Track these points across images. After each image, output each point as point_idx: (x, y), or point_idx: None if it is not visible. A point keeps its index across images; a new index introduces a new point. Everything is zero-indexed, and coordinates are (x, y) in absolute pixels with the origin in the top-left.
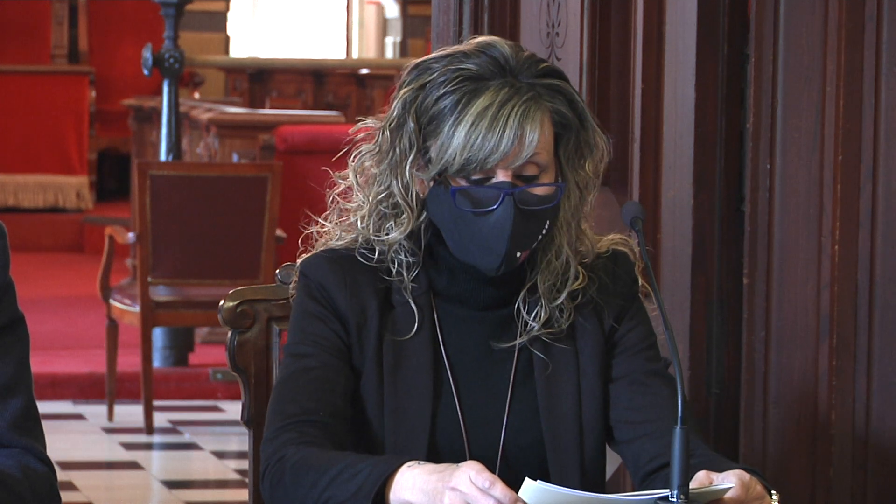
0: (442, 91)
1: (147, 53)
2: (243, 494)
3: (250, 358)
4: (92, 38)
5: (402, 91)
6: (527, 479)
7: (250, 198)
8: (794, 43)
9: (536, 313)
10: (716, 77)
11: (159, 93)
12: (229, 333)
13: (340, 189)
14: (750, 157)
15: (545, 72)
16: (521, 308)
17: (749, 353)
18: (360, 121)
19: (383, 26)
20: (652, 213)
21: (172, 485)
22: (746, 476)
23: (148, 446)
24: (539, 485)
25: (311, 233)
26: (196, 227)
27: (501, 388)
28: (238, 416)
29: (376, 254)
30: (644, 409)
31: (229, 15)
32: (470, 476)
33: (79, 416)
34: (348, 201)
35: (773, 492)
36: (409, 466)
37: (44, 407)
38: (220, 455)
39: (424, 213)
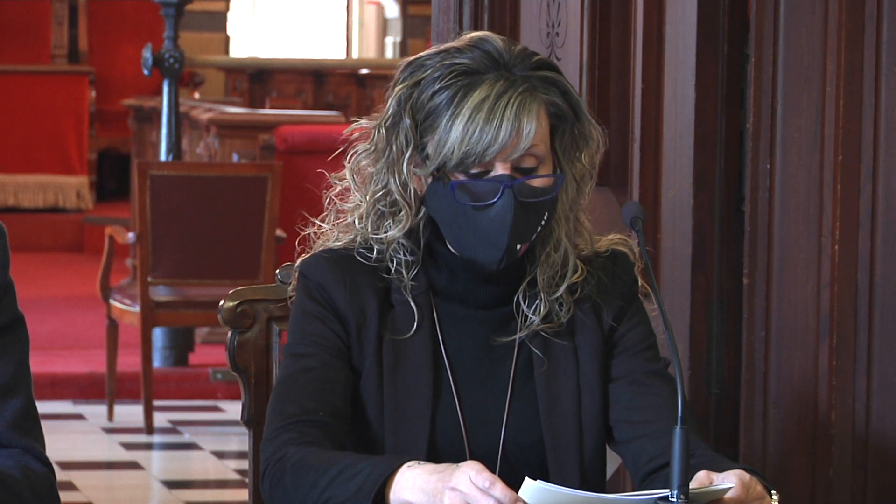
0: (437, 86)
1: (147, 53)
2: (243, 494)
3: (250, 358)
4: (92, 38)
5: (397, 89)
6: (527, 478)
7: (250, 198)
8: (794, 43)
9: (536, 307)
10: (716, 77)
11: (159, 93)
12: (229, 333)
13: (337, 190)
14: (750, 157)
15: (539, 64)
16: (521, 302)
17: (749, 353)
18: (354, 121)
19: (383, 26)
20: (652, 213)
21: (172, 485)
22: (746, 476)
23: (148, 446)
24: (539, 484)
25: (309, 234)
26: (196, 227)
27: (501, 387)
28: (238, 416)
29: (375, 253)
30: (644, 409)
31: (229, 15)
32: (470, 476)
33: (79, 416)
34: (345, 202)
35: (773, 492)
36: (409, 466)
37: (44, 407)
38: (220, 455)
39: (423, 211)
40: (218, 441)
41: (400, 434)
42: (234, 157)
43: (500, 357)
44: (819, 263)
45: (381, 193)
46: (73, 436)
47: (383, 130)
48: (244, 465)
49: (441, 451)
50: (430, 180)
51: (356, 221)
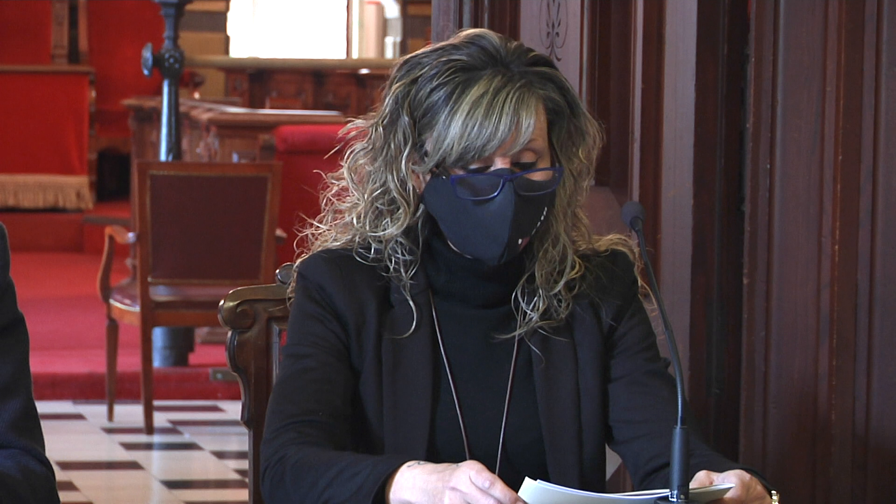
0: (435, 83)
1: (147, 53)
2: (243, 494)
3: (250, 358)
4: (92, 38)
5: (394, 87)
6: (527, 478)
7: (250, 198)
8: (794, 43)
9: (535, 303)
10: (716, 77)
11: (159, 93)
12: (229, 333)
13: (334, 191)
14: (750, 157)
15: (535, 60)
16: (520, 298)
17: (749, 353)
18: (349, 122)
19: (383, 26)
20: (652, 213)
21: (172, 485)
22: (747, 476)
23: (148, 446)
24: (539, 484)
25: (307, 235)
26: (196, 227)
27: (501, 386)
28: (238, 416)
29: (373, 252)
30: (643, 409)
31: (229, 15)
32: (470, 476)
33: (79, 416)
34: (343, 202)
35: (773, 492)
36: (408, 466)
37: (44, 407)
38: (220, 455)
39: (421, 209)
40: (218, 441)
41: (399, 434)
42: (234, 157)
43: (499, 356)
44: (819, 263)
45: (379, 192)
46: (73, 436)
47: (381, 128)
48: (244, 465)
49: (441, 451)
50: (428, 177)
51: (354, 220)
